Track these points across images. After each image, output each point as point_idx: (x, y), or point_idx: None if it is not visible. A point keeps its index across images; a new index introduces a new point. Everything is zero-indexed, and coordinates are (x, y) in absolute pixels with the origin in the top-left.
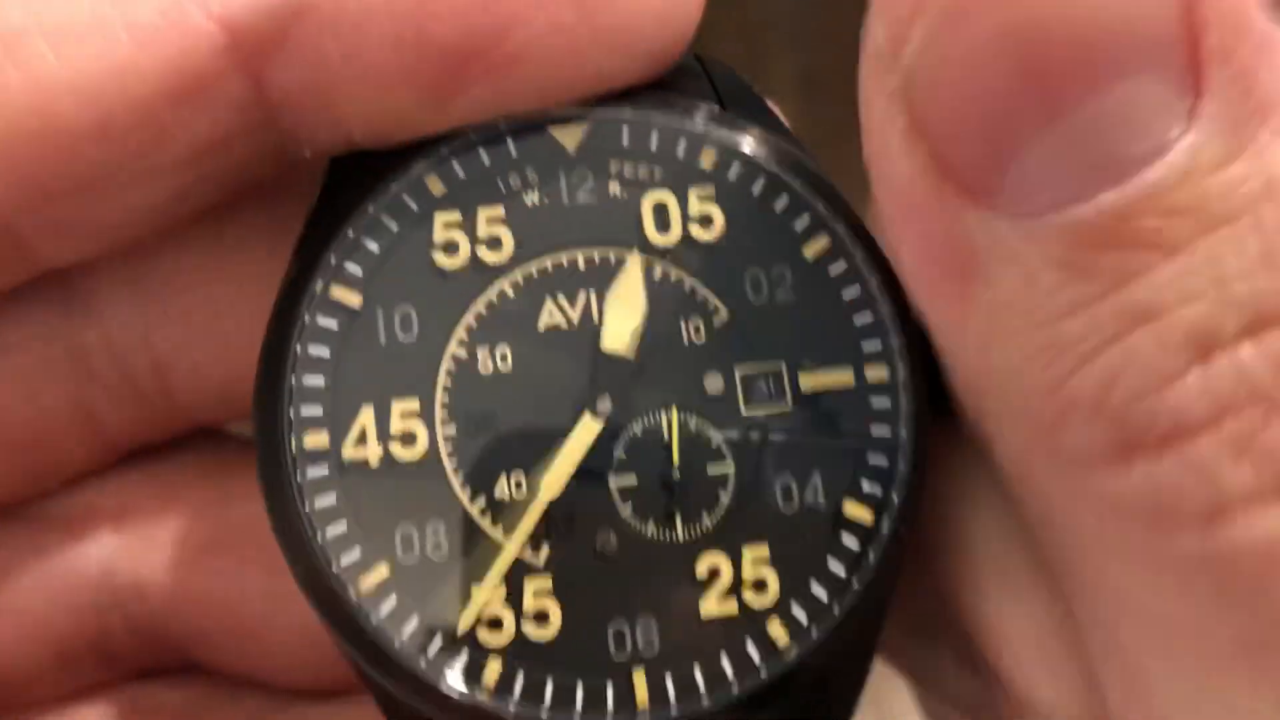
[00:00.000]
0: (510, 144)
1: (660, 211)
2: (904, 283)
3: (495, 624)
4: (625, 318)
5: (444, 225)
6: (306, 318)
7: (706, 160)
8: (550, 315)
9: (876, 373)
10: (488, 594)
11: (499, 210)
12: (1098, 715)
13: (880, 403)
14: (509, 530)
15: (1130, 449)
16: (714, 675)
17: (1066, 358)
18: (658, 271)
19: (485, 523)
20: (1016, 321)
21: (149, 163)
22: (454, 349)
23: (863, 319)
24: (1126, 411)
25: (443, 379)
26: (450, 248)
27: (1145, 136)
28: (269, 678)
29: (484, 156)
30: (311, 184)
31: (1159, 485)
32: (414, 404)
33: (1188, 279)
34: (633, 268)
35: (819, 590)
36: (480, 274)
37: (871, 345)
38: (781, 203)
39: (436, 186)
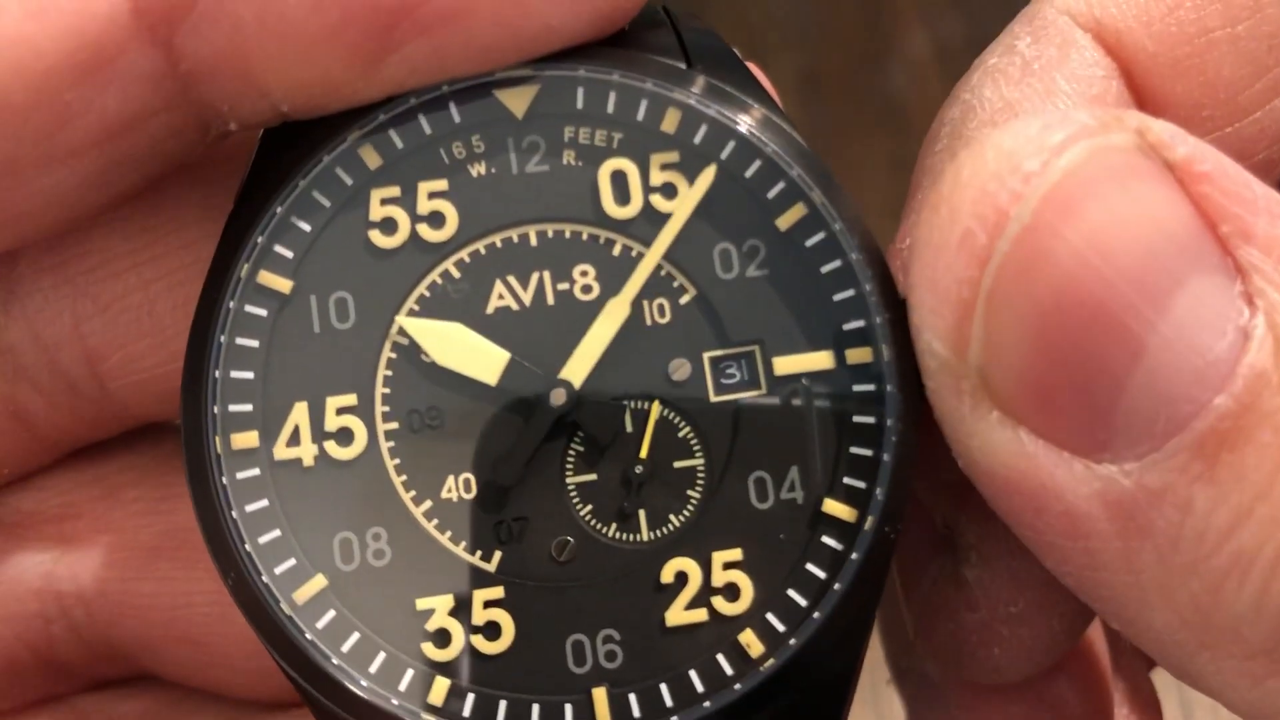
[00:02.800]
0: (453, 110)
1: (619, 181)
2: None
3: (442, 637)
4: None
5: (381, 201)
6: (232, 305)
7: (669, 123)
8: (500, 297)
9: (859, 354)
10: (434, 605)
11: (441, 183)
12: None
13: (863, 387)
14: (458, 537)
15: None
16: (682, 690)
17: (1254, 574)
18: (616, 248)
19: (431, 527)
20: (1189, 555)
21: (55, 145)
22: (395, 337)
23: (843, 295)
24: None
25: (382, 371)
26: (388, 225)
27: (1222, 330)
28: (223, 688)
29: (424, 124)
30: (247, 162)
31: None
32: (351, 399)
33: None
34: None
35: (797, 595)
36: (422, 253)
37: (853, 324)
38: (753, 169)
39: (372, 158)
